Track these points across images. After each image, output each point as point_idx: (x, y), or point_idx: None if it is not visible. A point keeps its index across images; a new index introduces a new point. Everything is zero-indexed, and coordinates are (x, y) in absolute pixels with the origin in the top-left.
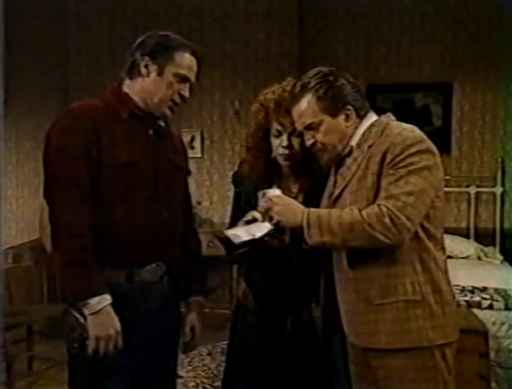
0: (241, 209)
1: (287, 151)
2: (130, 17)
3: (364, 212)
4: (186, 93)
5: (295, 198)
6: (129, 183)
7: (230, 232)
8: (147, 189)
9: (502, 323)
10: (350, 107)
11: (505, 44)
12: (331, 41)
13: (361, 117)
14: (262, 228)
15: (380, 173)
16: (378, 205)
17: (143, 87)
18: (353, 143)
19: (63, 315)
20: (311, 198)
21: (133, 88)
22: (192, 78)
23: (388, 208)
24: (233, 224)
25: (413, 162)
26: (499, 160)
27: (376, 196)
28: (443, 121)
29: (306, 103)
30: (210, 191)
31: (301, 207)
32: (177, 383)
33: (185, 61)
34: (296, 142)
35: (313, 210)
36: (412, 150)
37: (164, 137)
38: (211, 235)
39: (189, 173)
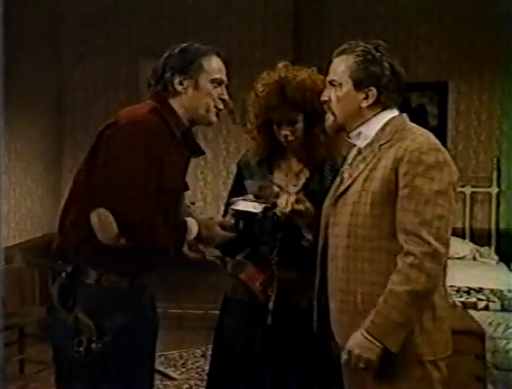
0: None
1: (289, 139)
2: (124, 15)
3: (400, 281)
4: (226, 96)
5: (296, 175)
6: (166, 205)
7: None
8: (171, 208)
9: (498, 324)
10: (374, 89)
11: (501, 43)
12: (327, 40)
13: (383, 107)
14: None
15: (396, 185)
16: (407, 254)
17: (185, 104)
18: (362, 130)
19: (66, 320)
20: (314, 180)
21: (175, 106)
22: (225, 79)
23: (420, 252)
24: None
25: (434, 177)
26: (495, 160)
27: (381, 202)
28: (439, 120)
29: (343, 61)
30: (204, 191)
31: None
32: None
33: (214, 64)
34: (299, 126)
35: (367, 325)
36: (429, 160)
37: (192, 156)
38: None
39: (187, 188)
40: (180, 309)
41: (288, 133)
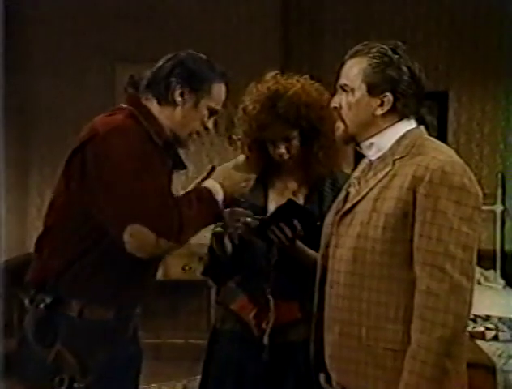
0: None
1: (285, 157)
2: (97, 15)
3: (425, 329)
4: (210, 126)
5: (293, 195)
6: None
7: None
8: None
9: (510, 356)
10: (390, 95)
11: (505, 48)
12: (318, 46)
13: (400, 117)
14: None
15: (414, 207)
16: (427, 294)
17: (175, 117)
18: (375, 141)
19: (43, 356)
20: (313, 200)
21: (162, 114)
22: (220, 110)
23: (444, 291)
24: None
25: (459, 201)
26: (499, 175)
27: (395, 225)
28: (438, 133)
29: (356, 63)
30: None
31: None
32: None
33: (221, 94)
34: (294, 143)
35: None
36: (454, 181)
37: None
38: (186, 258)
39: None
40: (158, 339)
41: (283, 151)
